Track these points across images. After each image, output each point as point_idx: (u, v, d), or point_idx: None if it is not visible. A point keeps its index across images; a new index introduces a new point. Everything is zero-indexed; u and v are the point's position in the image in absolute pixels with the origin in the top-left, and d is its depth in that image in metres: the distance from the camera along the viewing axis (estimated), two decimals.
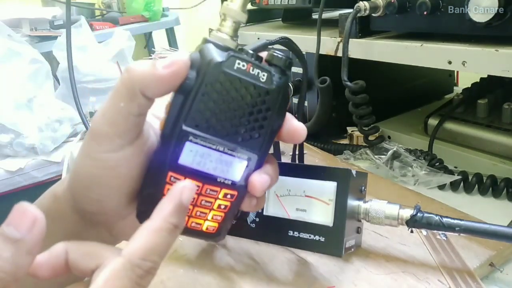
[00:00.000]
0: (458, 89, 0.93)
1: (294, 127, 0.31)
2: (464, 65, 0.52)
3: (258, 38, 0.83)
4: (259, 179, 0.31)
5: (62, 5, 1.58)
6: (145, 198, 0.30)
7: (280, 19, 1.01)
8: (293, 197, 0.43)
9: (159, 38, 2.10)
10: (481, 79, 0.78)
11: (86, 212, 0.31)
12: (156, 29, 1.92)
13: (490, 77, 0.75)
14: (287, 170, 0.44)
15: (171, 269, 0.46)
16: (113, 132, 0.28)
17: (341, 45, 0.65)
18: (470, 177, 0.59)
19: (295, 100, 0.83)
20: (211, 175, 0.30)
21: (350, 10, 0.61)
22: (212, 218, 0.32)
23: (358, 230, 0.45)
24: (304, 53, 0.78)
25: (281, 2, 0.82)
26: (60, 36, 1.13)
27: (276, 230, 0.44)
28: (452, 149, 0.68)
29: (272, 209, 0.44)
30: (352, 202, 0.42)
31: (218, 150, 0.30)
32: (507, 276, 0.44)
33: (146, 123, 0.30)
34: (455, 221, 0.40)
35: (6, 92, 0.94)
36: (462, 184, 0.59)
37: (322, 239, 0.41)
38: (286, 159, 0.71)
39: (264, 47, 0.32)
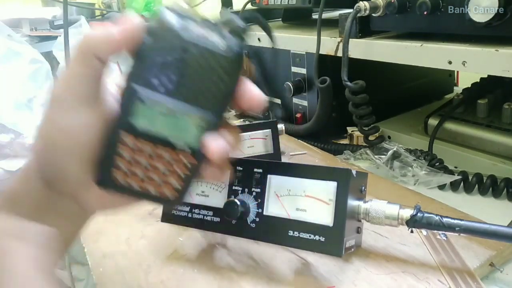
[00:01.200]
0: (458, 89, 0.93)
1: (251, 92, 0.31)
2: (464, 65, 0.52)
3: (256, 36, 0.83)
4: (215, 143, 0.31)
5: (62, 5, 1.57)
6: (101, 162, 0.30)
7: (280, 19, 1.01)
8: (293, 197, 0.43)
9: None
10: (481, 79, 0.78)
11: (51, 181, 0.31)
12: None
13: (490, 77, 0.75)
14: (287, 170, 0.44)
15: (171, 269, 0.46)
16: (70, 95, 0.29)
17: (341, 45, 0.65)
18: (470, 177, 0.59)
19: (295, 100, 0.83)
20: (164, 137, 0.30)
21: (350, 10, 0.61)
22: (167, 182, 0.31)
23: (358, 230, 0.45)
24: (304, 53, 0.79)
25: (281, 2, 0.82)
26: (60, 36, 1.12)
27: (276, 230, 0.43)
28: (452, 149, 0.68)
29: (272, 209, 0.44)
30: (352, 202, 0.42)
31: (171, 112, 0.29)
32: (507, 276, 0.44)
33: (108, 92, 0.31)
34: (455, 221, 0.40)
35: (6, 92, 0.94)
36: (462, 184, 0.59)
37: (322, 239, 0.41)
38: (285, 159, 0.71)
39: (227, 18, 0.32)
